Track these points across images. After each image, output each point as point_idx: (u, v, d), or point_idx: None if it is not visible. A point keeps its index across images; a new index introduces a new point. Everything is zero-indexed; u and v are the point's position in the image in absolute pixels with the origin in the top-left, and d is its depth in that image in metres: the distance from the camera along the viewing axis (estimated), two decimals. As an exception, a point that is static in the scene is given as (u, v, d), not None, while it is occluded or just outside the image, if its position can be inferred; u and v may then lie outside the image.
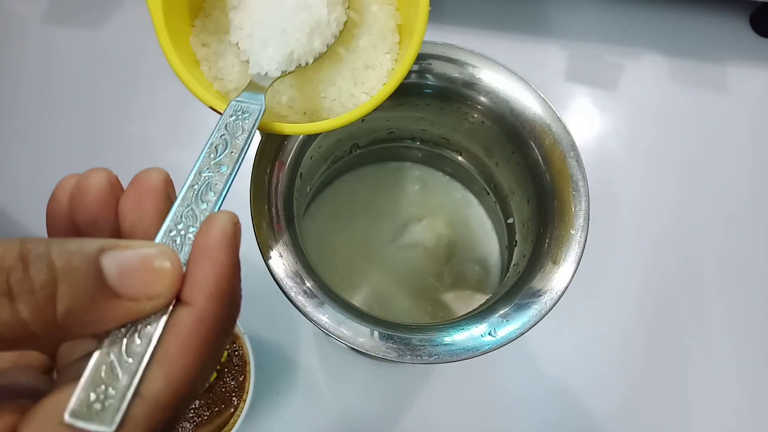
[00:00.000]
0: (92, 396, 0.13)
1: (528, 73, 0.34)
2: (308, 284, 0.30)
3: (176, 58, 0.25)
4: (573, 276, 0.31)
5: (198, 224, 0.17)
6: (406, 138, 0.43)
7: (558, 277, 0.31)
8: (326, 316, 0.29)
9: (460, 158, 0.43)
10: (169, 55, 0.25)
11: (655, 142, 0.54)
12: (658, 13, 0.58)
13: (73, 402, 0.13)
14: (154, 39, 0.25)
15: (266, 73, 0.26)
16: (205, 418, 0.41)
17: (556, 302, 0.30)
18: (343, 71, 0.29)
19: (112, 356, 0.14)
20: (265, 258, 0.30)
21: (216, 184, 0.19)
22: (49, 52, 0.54)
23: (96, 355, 0.14)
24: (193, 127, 0.51)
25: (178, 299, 0.15)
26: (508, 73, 0.34)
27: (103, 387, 0.13)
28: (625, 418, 0.45)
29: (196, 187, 0.18)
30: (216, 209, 0.18)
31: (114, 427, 0.13)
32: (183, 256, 0.16)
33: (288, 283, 0.29)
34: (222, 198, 0.18)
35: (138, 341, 0.14)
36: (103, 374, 0.14)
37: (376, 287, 0.42)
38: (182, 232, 0.16)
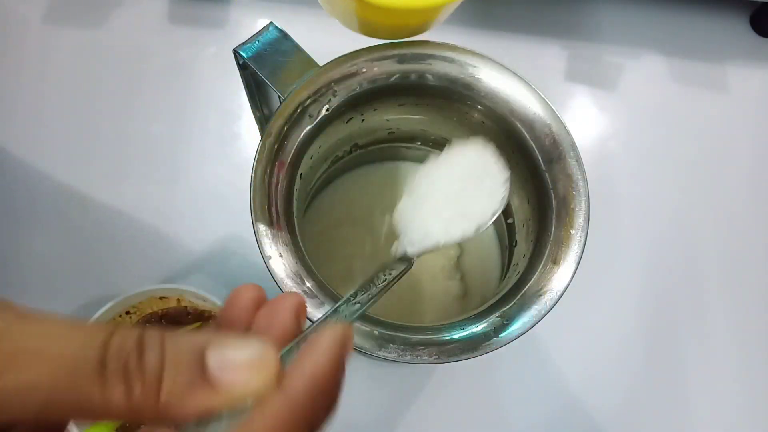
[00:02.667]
0: None
1: (528, 73, 0.34)
2: (308, 284, 0.30)
3: None
4: (573, 276, 0.31)
5: None
6: (406, 138, 0.44)
7: (558, 277, 0.31)
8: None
9: (460, 158, 0.43)
10: None
11: (655, 142, 0.54)
12: (658, 13, 0.58)
13: None
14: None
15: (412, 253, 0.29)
16: (205, 418, 0.41)
17: (556, 302, 0.30)
18: None
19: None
20: (265, 258, 0.30)
21: (344, 313, 0.22)
22: (49, 52, 0.54)
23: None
24: (193, 127, 0.51)
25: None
26: (508, 73, 0.34)
27: None
28: (625, 418, 0.45)
29: (325, 321, 0.21)
30: None
31: None
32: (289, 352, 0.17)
33: (288, 283, 0.29)
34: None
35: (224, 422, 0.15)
36: None
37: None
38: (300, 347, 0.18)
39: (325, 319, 0.21)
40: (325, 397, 0.16)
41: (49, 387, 0.13)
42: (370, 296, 0.24)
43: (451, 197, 0.30)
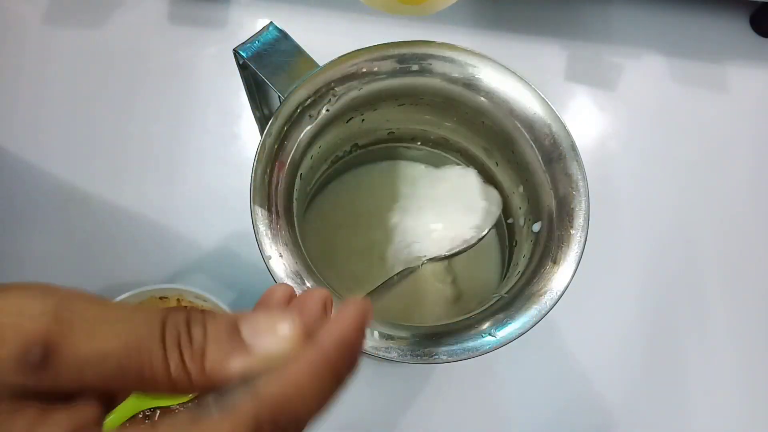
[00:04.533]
0: None
1: (528, 73, 0.34)
2: (308, 284, 0.30)
3: None
4: (573, 276, 0.31)
5: None
6: (406, 138, 0.44)
7: (558, 277, 0.31)
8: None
9: (460, 158, 0.43)
10: None
11: (655, 142, 0.54)
12: (658, 13, 0.58)
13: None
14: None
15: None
16: (205, 418, 0.41)
17: (556, 302, 0.30)
18: None
19: None
20: (265, 258, 0.30)
21: None
22: (49, 52, 0.54)
23: None
24: (193, 127, 0.51)
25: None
26: (508, 73, 0.34)
27: None
28: (625, 418, 0.45)
29: None
30: None
31: None
32: None
33: (288, 283, 0.29)
34: None
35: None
36: None
37: (375, 287, 0.42)
38: None
39: None
40: (351, 353, 0.18)
41: (120, 354, 0.15)
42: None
43: (439, 216, 0.33)
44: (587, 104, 0.55)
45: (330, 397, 0.17)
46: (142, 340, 0.16)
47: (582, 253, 0.31)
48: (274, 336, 0.17)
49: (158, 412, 0.41)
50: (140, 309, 0.17)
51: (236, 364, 0.17)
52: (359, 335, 0.18)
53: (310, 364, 0.17)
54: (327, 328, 0.18)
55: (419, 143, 0.44)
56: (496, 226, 0.44)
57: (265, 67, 0.33)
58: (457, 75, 0.34)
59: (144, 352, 0.16)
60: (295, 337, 0.17)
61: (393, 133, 0.43)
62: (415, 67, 0.34)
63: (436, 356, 0.29)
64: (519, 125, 0.34)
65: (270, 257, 0.30)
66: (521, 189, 0.37)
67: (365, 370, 0.45)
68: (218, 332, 0.17)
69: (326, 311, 0.21)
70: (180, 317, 0.17)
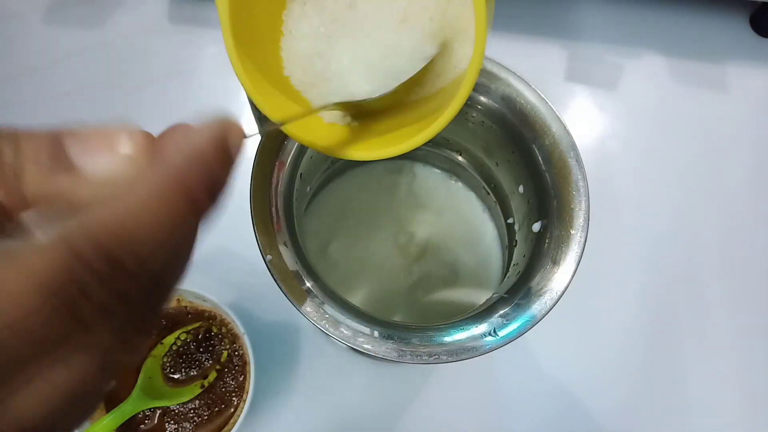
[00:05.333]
0: None
1: (528, 73, 0.34)
2: (308, 284, 0.30)
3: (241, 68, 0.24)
4: (573, 276, 0.31)
5: None
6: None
7: (558, 277, 0.31)
8: (326, 316, 0.29)
9: (460, 158, 0.43)
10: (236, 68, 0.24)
11: (655, 142, 0.54)
12: (658, 13, 0.58)
13: None
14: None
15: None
16: (205, 418, 0.41)
17: (556, 302, 0.30)
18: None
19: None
20: (265, 258, 0.30)
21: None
22: (50, 52, 0.54)
23: None
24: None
25: None
26: (508, 73, 0.34)
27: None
28: (625, 418, 0.45)
29: None
30: None
31: None
32: None
33: (288, 283, 0.29)
34: None
35: None
36: None
37: (376, 287, 0.42)
38: None
39: None
40: (207, 171, 0.14)
41: None
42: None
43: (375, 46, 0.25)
44: (587, 104, 0.55)
45: (181, 225, 0.14)
46: None
47: (582, 253, 0.31)
48: (108, 153, 0.14)
49: (158, 412, 0.41)
50: None
51: (60, 186, 0.13)
52: (219, 150, 0.15)
53: (151, 182, 0.13)
54: (175, 143, 0.14)
55: (419, 143, 0.44)
56: (497, 225, 0.44)
57: (265, 67, 0.33)
58: (457, 75, 0.34)
59: None
60: (135, 153, 0.14)
61: (393, 133, 0.43)
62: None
63: (436, 356, 0.29)
64: (519, 125, 0.34)
65: (270, 257, 0.30)
66: (521, 189, 0.37)
67: (365, 370, 0.45)
68: (36, 150, 0.13)
69: (223, 154, 0.16)
70: None
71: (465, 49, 0.25)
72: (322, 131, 0.26)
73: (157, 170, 0.13)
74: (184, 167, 0.13)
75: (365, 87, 0.25)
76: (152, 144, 0.15)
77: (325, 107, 0.25)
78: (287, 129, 0.25)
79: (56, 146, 0.14)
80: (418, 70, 0.24)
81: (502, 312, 0.30)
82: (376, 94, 0.24)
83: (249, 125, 0.17)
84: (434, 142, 0.43)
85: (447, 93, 0.25)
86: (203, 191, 0.14)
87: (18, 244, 0.12)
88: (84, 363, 0.13)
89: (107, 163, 0.13)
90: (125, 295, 0.13)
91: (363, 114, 0.27)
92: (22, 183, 0.13)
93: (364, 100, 0.24)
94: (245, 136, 0.16)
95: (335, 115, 0.27)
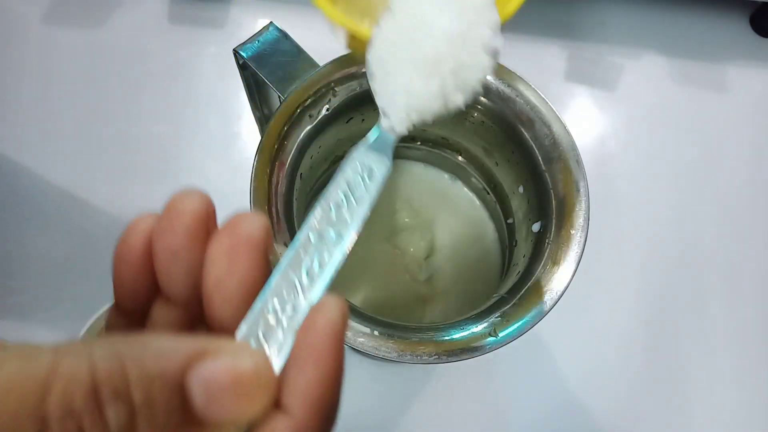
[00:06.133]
0: None
1: (528, 73, 0.34)
2: (308, 284, 0.30)
3: None
4: (573, 276, 0.31)
5: (301, 305, 0.14)
6: (406, 138, 0.43)
7: (558, 277, 0.31)
8: (326, 316, 0.29)
9: (460, 158, 0.43)
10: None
11: (655, 142, 0.54)
12: (658, 13, 0.58)
13: None
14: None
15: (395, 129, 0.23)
16: (205, 418, 0.40)
17: (556, 302, 0.30)
18: None
19: None
20: (265, 258, 0.30)
21: (325, 255, 0.16)
22: (50, 52, 0.54)
23: None
24: (196, 127, 0.51)
25: (275, 404, 0.13)
26: (508, 73, 0.34)
27: None
28: (625, 418, 0.45)
29: (302, 254, 0.15)
30: (323, 289, 0.15)
31: None
32: (277, 345, 0.13)
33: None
34: (331, 275, 0.15)
35: None
36: None
37: (375, 287, 0.42)
38: (279, 314, 0.14)
39: (302, 268, 0.15)
40: (333, 410, 0.13)
41: None
42: (353, 218, 0.17)
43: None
44: (587, 104, 0.55)
45: None
46: None
47: (582, 253, 0.31)
48: (239, 400, 0.11)
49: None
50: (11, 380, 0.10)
51: None
52: (340, 380, 0.13)
53: None
54: (301, 388, 0.13)
55: (419, 143, 0.44)
56: (497, 225, 0.44)
57: (265, 67, 0.33)
58: (457, 75, 0.34)
59: None
60: (265, 399, 0.12)
61: (393, 133, 0.43)
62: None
63: (436, 356, 0.29)
64: (519, 125, 0.34)
65: (270, 257, 0.30)
66: (521, 189, 0.37)
67: (365, 370, 0.45)
68: (152, 404, 0.11)
69: (266, 259, 0.15)
70: (78, 389, 0.10)
71: None
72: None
73: (290, 427, 0.12)
74: (316, 422, 0.13)
75: None
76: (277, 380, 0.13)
77: None
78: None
79: (177, 390, 0.11)
80: None
81: (502, 312, 0.30)
82: None
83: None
84: (434, 142, 0.43)
85: None
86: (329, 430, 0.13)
87: None
88: None
89: (234, 413, 0.11)
90: None
91: None
92: None
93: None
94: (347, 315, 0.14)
95: None
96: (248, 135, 0.51)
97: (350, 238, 0.17)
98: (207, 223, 0.15)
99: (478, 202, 0.45)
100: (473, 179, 0.44)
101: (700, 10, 0.58)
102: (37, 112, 0.52)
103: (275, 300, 0.14)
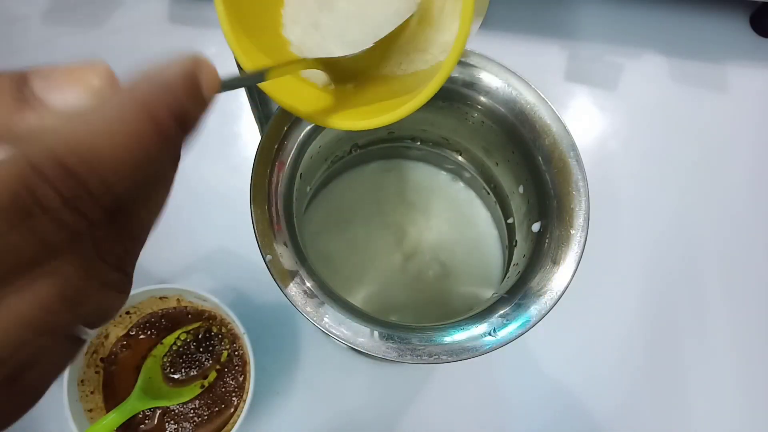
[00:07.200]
0: None
1: (528, 73, 0.34)
2: (308, 284, 0.30)
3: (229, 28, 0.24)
4: (573, 276, 0.31)
5: None
6: (406, 138, 0.44)
7: (558, 277, 0.31)
8: (326, 316, 0.29)
9: (460, 158, 0.43)
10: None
11: (655, 142, 0.54)
12: (658, 13, 0.58)
13: None
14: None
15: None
16: (205, 418, 0.41)
17: (556, 302, 0.30)
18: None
19: None
20: (265, 258, 0.30)
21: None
22: (50, 52, 0.54)
23: None
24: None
25: None
26: (508, 73, 0.34)
27: None
28: (625, 418, 0.45)
29: None
30: None
31: None
32: None
33: (288, 284, 0.29)
34: None
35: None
36: None
37: (376, 287, 0.42)
38: None
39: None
40: (175, 98, 0.14)
41: None
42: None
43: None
44: (587, 104, 0.55)
45: (146, 150, 0.13)
46: None
47: (582, 253, 0.31)
48: (74, 87, 0.13)
49: (158, 412, 0.41)
50: None
51: (25, 120, 0.13)
52: (188, 81, 0.14)
53: (114, 106, 0.13)
54: (142, 75, 0.14)
55: (419, 143, 0.44)
56: (497, 225, 0.44)
57: (265, 67, 0.33)
58: (457, 75, 0.34)
59: None
60: (102, 86, 0.14)
61: (393, 132, 0.43)
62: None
63: (436, 356, 0.29)
64: (519, 125, 0.34)
65: (270, 257, 0.30)
66: (521, 189, 0.37)
67: (365, 370, 0.45)
68: (0, 88, 0.13)
69: (195, 93, 0.16)
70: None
71: (453, 29, 0.25)
72: (304, 96, 0.26)
73: (122, 95, 0.13)
74: (149, 94, 0.13)
75: (344, 47, 0.26)
76: (118, 78, 0.14)
77: (304, 63, 0.24)
78: (267, 88, 0.24)
79: (21, 84, 0.13)
80: (395, 25, 0.25)
81: (502, 312, 0.30)
82: (356, 50, 0.24)
83: (223, 71, 0.18)
84: (434, 142, 0.43)
85: (433, 71, 0.25)
86: (170, 118, 0.14)
87: None
88: (45, 291, 0.13)
89: (73, 97, 0.13)
90: (89, 217, 0.13)
91: (347, 79, 0.27)
92: None
93: (344, 56, 0.25)
94: (217, 75, 0.16)
95: (319, 78, 0.27)
96: (248, 135, 0.51)
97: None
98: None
99: (478, 202, 0.45)
100: (473, 179, 0.44)
101: (700, 10, 0.58)
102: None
103: None
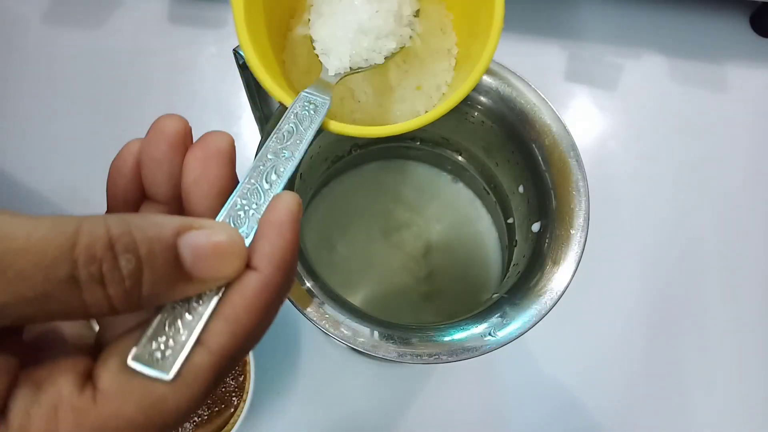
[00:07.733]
0: (154, 345, 0.15)
1: (528, 73, 0.34)
2: (308, 284, 0.30)
3: (252, 52, 0.25)
4: (573, 276, 0.31)
5: (262, 202, 0.18)
6: (406, 138, 0.43)
7: (558, 277, 0.31)
8: (326, 316, 0.29)
9: (460, 158, 0.43)
10: (245, 48, 0.25)
11: (654, 142, 0.54)
12: (658, 13, 0.58)
13: (135, 349, 0.15)
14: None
15: (335, 72, 0.27)
16: (205, 418, 0.41)
17: (556, 302, 0.30)
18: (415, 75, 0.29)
19: (176, 313, 0.16)
20: (265, 258, 0.30)
21: (280, 168, 0.20)
22: (50, 52, 0.54)
23: (161, 311, 0.16)
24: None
25: (246, 266, 0.17)
26: (507, 73, 0.34)
27: (164, 338, 0.15)
28: (625, 418, 0.45)
29: (261, 167, 0.20)
30: (279, 191, 0.19)
31: (171, 375, 0.15)
32: (245, 230, 0.18)
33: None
34: (285, 181, 0.20)
35: (200, 302, 0.16)
36: (165, 328, 0.15)
37: (375, 287, 0.42)
38: (246, 208, 0.18)
39: (263, 177, 0.20)
40: (291, 270, 0.17)
41: (17, 304, 0.13)
42: (299, 141, 0.22)
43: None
44: (587, 104, 0.55)
45: (270, 324, 0.17)
46: (47, 285, 0.13)
47: (582, 253, 0.31)
48: (216, 260, 0.15)
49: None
50: (41, 237, 0.13)
51: (175, 293, 0.15)
52: (296, 249, 0.17)
53: (257, 299, 0.16)
54: (267, 252, 0.16)
55: (419, 143, 0.44)
56: (497, 225, 0.44)
57: (265, 67, 0.33)
58: (457, 75, 0.34)
59: (51, 296, 0.13)
60: (238, 261, 0.16)
61: (393, 133, 0.43)
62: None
63: (436, 356, 0.29)
64: (519, 125, 0.34)
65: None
66: (521, 189, 0.37)
67: (365, 370, 0.45)
68: (153, 257, 0.14)
69: (232, 165, 0.20)
70: (99, 241, 0.14)
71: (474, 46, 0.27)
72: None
73: (259, 288, 0.16)
74: (278, 281, 0.16)
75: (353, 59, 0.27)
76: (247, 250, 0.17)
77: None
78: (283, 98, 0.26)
79: (171, 251, 0.15)
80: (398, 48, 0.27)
81: (502, 312, 0.30)
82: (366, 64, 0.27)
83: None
84: (434, 142, 0.43)
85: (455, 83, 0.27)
86: (288, 290, 0.17)
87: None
88: None
89: (216, 271, 0.16)
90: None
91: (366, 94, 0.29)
92: (141, 289, 0.14)
93: (361, 69, 0.27)
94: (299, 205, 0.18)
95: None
96: (248, 135, 0.51)
97: (300, 155, 0.21)
98: (185, 139, 0.19)
99: (478, 202, 0.45)
100: (473, 179, 0.44)
101: (700, 10, 0.58)
102: (38, 112, 0.52)
103: (242, 200, 0.19)
